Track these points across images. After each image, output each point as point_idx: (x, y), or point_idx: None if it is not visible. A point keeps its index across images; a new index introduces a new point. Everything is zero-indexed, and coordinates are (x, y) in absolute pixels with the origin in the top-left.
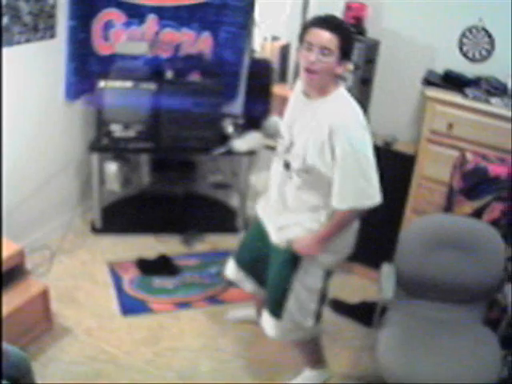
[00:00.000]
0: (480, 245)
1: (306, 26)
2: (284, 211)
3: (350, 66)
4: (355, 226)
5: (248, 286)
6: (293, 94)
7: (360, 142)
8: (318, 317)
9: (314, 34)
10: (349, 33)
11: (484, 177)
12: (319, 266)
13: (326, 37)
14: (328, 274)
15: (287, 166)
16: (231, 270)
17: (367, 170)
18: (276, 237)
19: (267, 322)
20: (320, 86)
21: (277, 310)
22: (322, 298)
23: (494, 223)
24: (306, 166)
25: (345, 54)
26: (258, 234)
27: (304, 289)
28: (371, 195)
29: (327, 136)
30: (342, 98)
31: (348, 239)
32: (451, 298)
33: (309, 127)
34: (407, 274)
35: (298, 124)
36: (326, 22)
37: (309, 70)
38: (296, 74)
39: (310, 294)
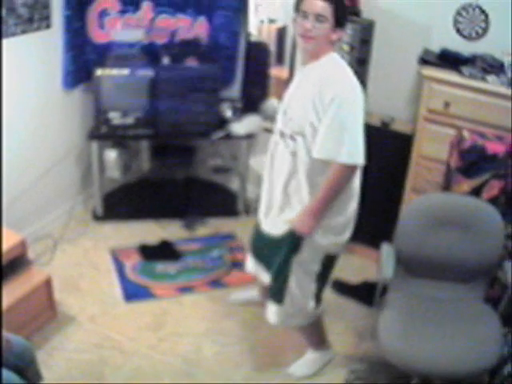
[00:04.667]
0: (479, 223)
1: None
2: (277, 191)
3: (345, 47)
4: (353, 206)
5: (264, 277)
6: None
7: (349, 99)
8: (318, 300)
9: (309, 3)
10: (342, 1)
11: (482, 155)
12: (318, 248)
13: (320, 5)
14: (328, 257)
15: (282, 134)
16: (250, 263)
17: (353, 127)
18: (274, 227)
19: (270, 309)
20: (315, 51)
21: (278, 295)
22: (323, 280)
23: (493, 201)
24: (301, 127)
25: (339, 21)
26: (260, 234)
27: (303, 271)
28: (354, 153)
29: (318, 93)
30: (333, 60)
31: (346, 220)
32: (451, 276)
33: (302, 90)
34: (407, 253)
35: (293, 92)
36: None
37: (305, 37)
38: (293, 56)
39: (309, 276)
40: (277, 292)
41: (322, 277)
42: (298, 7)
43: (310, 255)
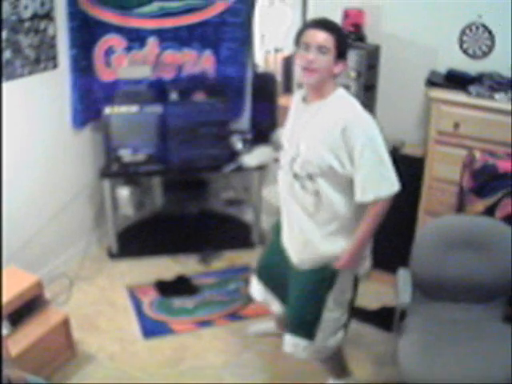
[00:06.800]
0: (494, 242)
1: (302, 29)
2: (305, 227)
3: (352, 73)
4: None
5: (274, 307)
6: (292, 104)
7: (374, 132)
8: (346, 327)
9: (311, 35)
10: (343, 33)
11: (493, 174)
12: (351, 276)
13: (322, 36)
14: (356, 281)
15: (295, 175)
16: (258, 291)
17: (384, 161)
18: (307, 261)
19: (296, 345)
20: (319, 85)
21: (309, 331)
22: (351, 306)
23: (507, 219)
24: (321, 169)
25: (341, 53)
26: (278, 253)
27: (338, 305)
28: (392, 182)
29: (340, 133)
30: (344, 97)
31: (372, 243)
32: (469, 297)
33: (314, 130)
34: (424, 276)
35: (300, 131)
36: (321, 23)
37: (307, 69)
38: (300, 85)
39: (342, 307)
40: (308, 329)
41: (352, 302)
42: (299, 40)
43: (343, 286)
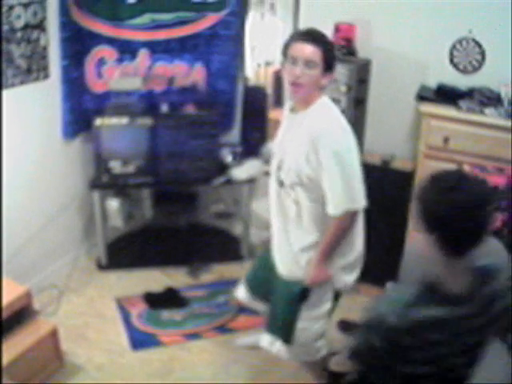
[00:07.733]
0: (483, 256)
1: (289, 41)
2: (287, 237)
3: (343, 87)
4: (360, 242)
5: (259, 307)
6: (283, 114)
7: (341, 145)
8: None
9: (298, 48)
10: (331, 44)
11: None
12: (328, 288)
13: (309, 50)
14: (337, 294)
15: (281, 183)
16: (242, 293)
17: (353, 174)
18: (288, 271)
19: (272, 342)
20: (306, 98)
21: (286, 336)
22: (329, 316)
23: (496, 233)
24: (300, 179)
25: (328, 65)
26: (267, 261)
27: (313, 318)
28: (353, 198)
29: (310, 144)
30: (322, 106)
31: (355, 257)
32: None
33: (296, 140)
34: None
35: (286, 140)
36: (308, 36)
37: (295, 84)
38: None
39: (320, 320)
40: (285, 334)
41: (329, 313)
42: (286, 52)
43: (319, 297)
